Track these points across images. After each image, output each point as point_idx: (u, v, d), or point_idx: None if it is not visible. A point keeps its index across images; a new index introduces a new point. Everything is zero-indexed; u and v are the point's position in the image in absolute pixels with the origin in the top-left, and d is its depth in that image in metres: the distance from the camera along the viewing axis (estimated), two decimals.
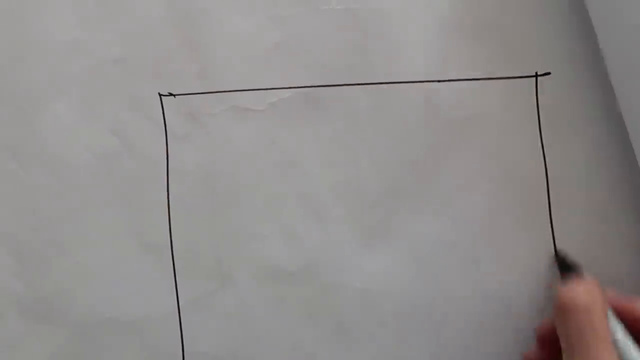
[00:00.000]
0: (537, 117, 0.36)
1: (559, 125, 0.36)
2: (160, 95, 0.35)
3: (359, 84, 0.35)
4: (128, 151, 0.35)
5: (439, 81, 0.35)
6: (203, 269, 0.35)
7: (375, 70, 0.35)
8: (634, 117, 0.34)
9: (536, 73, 0.36)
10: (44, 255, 0.35)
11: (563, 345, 0.31)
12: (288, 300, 0.35)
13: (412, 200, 0.35)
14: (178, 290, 0.35)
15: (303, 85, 0.35)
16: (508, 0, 0.36)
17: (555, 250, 0.35)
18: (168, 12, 0.35)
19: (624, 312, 0.32)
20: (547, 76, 0.36)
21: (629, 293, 0.35)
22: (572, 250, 0.36)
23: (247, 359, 0.35)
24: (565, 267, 0.34)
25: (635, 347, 0.31)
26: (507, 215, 0.35)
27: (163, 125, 0.35)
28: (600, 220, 0.36)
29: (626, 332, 0.31)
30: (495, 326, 0.35)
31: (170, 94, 0.35)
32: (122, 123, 0.35)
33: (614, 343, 0.30)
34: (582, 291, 0.31)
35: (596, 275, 0.34)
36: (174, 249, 0.35)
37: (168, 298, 0.35)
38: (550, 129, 0.36)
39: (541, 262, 0.36)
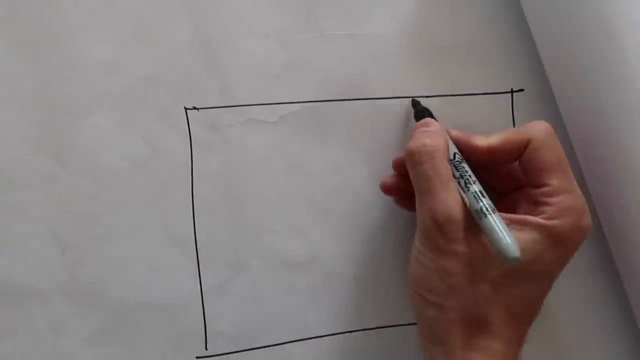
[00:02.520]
0: (512, 126, 0.39)
1: None
2: (185, 108, 0.37)
3: (358, 99, 0.38)
4: (157, 157, 0.37)
5: (427, 96, 0.38)
6: (223, 259, 0.37)
7: (372, 87, 0.38)
8: (575, 129, 0.37)
9: (511, 89, 0.39)
10: (84, 247, 0.37)
11: (414, 187, 0.32)
12: (296, 286, 0.38)
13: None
14: (201, 277, 0.37)
15: (309, 100, 0.38)
16: (487, 26, 0.39)
17: (413, 101, 0.37)
18: (193, 36, 0.37)
19: (462, 146, 0.34)
20: (521, 92, 0.39)
21: (581, 268, 0.38)
22: None
23: (260, 337, 0.37)
24: (419, 113, 0.36)
25: (472, 176, 0.32)
26: None
27: (188, 134, 0.37)
28: None
29: (464, 163, 0.33)
30: None
31: (194, 108, 0.37)
32: (153, 133, 0.37)
33: (460, 179, 0.32)
34: (427, 140, 0.32)
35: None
36: (197, 241, 0.37)
37: (192, 284, 0.37)
38: None
39: None
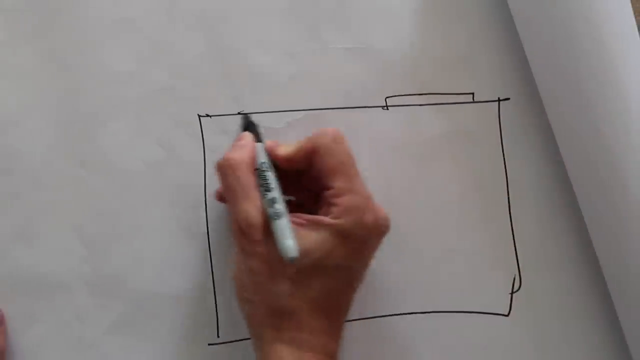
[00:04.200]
0: (499, 133, 0.40)
1: (517, 140, 0.40)
2: (199, 115, 0.39)
3: (357, 107, 0.40)
4: (173, 160, 0.39)
5: (420, 105, 0.40)
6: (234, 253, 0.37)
7: (371, 96, 0.40)
8: (563, 139, 0.39)
9: (498, 98, 0.40)
10: (106, 243, 0.38)
11: (225, 197, 0.35)
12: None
13: (400, 201, 0.40)
14: (213, 270, 0.39)
15: (313, 108, 0.40)
16: (477, 38, 0.40)
17: (243, 113, 0.38)
18: (206, 49, 0.39)
19: (273, 156, 0.35)
20: (507, 101, 0.40)
21: (563, 260, 0.39)
22: (527, 237, 0.40)
23: None
24: (243, 127, 0.37)
25: (274, 182, 0.34)
26: (474, 210, 0.40)
27: (201, 139, 0.39)
28: (552, 215, 0.40)
29: (271, 169, 0.34)
30: None
31: (207, 115, 0.39)
32: (168, 138, 0.39)
33: (262, 185, 0.34)
34: (232, 154, 0.34)
35: (541, 251, 0.39)
36: (210, 237, 0.39)
37: (205, 276, 0.39)
38: (510, 143, 0.40)
39: (503, 246, 0.40)
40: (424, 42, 0.40)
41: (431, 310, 0.40)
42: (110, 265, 0.39)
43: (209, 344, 0.39)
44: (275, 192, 0.34)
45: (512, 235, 0.41)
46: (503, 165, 0.41)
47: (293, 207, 0.35)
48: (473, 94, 0.41)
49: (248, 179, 0.34)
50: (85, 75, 0.39)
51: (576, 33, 0.36)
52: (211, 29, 0.40)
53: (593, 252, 0.40)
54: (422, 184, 0.40)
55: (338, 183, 0.34)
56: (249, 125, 0.37)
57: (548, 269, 0.40)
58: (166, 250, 0.39)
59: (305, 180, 0.37)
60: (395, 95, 0.40)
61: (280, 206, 0.33)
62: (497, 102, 0.41)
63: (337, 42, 0.40)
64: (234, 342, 0.39)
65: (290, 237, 0.32)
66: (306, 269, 0.33)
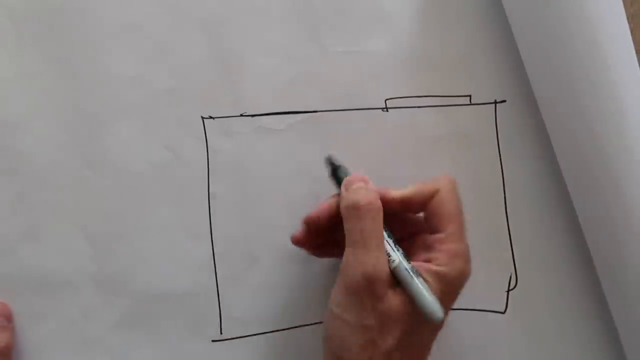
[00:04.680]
0: (496, 135, 0.41)
1: (514, 141, 0.41)
2: (202, 118, 0.39)
3: (356, 109, 0.40)
4: (177, 161, 0.39)
5: (419, 107, 0.40)
6: (236, 253, 0.39)
7: (370, 98, 0.40)
8: (559, 145, 0.39)
9: (495, 100, 0.41)
10: (111, 242, 0.38)
11: (348, 239, 0.32)
12: (303, 276, 0.39)
13: None
14: (216, 269, 0.39)
15: (314, 110, 0.40)
16: (474, 41, 0.41)
17: (329, 157, 0.36)
18: (209, 52, 0.39)
19: (382, 199, 0.34)
20: (503, 103, 0.41)
21: (558, 258, 0.39)
22: (523, 236, 0.40)
23: (270, 322, 0.39)
24: (335, 170, 0.36)
25: (391, 240, 0.33)
26: (472, 210, 0.38)
27: (204, 141, 0.39)
28: (544, 210, 0.40)
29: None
30: None
31: (210, 117, 0.39)
32: (173, 139, 0.39)
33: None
34: (370, 197, 0.33)
35: (537, 250, 0.39)
36: (213, 237, 0.39)
37: (208, 275, 0.39)
38: (507, 144, 0.41)
39: (500, 245, 0.40)
40: (422, 44, 0.41)
41: None
42: (116, 263, 0.39)
43: (212, 341, 0.39)
44: (399, 250, 0.33)
45: (508, 235, 0.41)
46: (499, 166, 0.41)
47: None
48: (470, 96, 0.41)
49: (382, 227, 0.33)
50: (90, 78, 0.39)
51: (570, 35, 0.36)
52: (214, 32, 0.40)
53: (587, 252, 0.40)
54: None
55: (450, 230, 0.33)
56: (336, 168, 0.36)
57: (543, 268, 0.41)
58: (170, 250, 0.39)
59: (401, 222, 0.36)
60: (394, 97, 0.41)
61: (409, 265, 0.32)
62: (493, 104, 0.41)
63: (336, 45, 0.40)
64: (237, 339, 0.39)
65: (434, 298, 0.31)
66: (412, 324, 0.32)
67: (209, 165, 0.40)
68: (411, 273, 0.32)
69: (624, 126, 0.36)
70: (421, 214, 0.36)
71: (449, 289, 0.33)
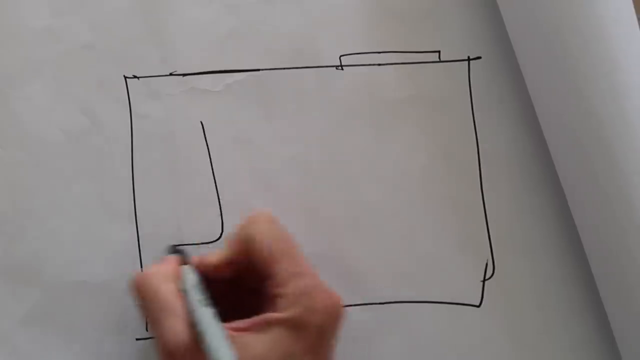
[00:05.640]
0: (469, 97, 0.39)
1: (490, 105, 0.39)
2: (125, 77, 0.37)
3: (306, 67, 0.38)
4: (96, 128, 0.37)
5: (379, 64, 0.38)
6: (164, 235, 0.37)
7: (321, 55, 0.38)
8: (540, 104, 0.37)
9: (468, 57, 0.39)
10: (20, 223, 0.37)
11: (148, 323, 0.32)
12: None
13: (355, 172, 0.38)
14: (141, 254, 0.37)
15: (256, 68, 0.38)
16: None
17: (171, 246, 0.36)
18: (133, 1, 0.37)
19: (202, 268, 0.33)
20: (478, 60, 0.39)
21: (542, 242, 0.38)
22: (501, 217, 0.39)
23: None
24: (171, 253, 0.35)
25: (199, 298, 0.31)
26: (441, 185, 0.38)
27: (128, 104, 0.37)
28: (526, 184, 0.39)
29: (195, 287, 0.32)
30: None
31: (135, 77, 0.37)
32: (91, 103, 0.37)
33: (187, 305, 0.31)
34: (147, 269, 0.32)
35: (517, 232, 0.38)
36: (137, 217, 0.37)
37: (132, 262, 0.37)
38: (482, 108, 0.39)
39: (473, 227, 0.39)
40: None
41: (391, 300, 0.38)
42: (24, 248, 0.37)
43: (136, 339, 0.37)
44: (204, 307, 0.31)
45: (484, 214, 0.39)
46: (474, 134, 0.39)
47: (236, 317, 0.32)
48: (439, 52, 0.39)
49: (170, 291, 0.31)
50: None
51: None
52: None
53: (576, 234, 0.38)
54: (382, 155, 0.38)
55: (280, 269, 0.32)
56: (174, 252, 0.35)
57: (525, 253, 0.39)
58: (88, 232, 0.37)
59: (247, 280, 0.34)
60: (350, 54, 0.39)
61: (208, 318, 0.30)
62: (466, 62, 0.39)
63: None
64: None
65: (223, 345, 0.29)
66: None
67: (132, 132, 0.38)
68: (204, 327, 0.30)
69: (618, 86, 0.34)
70: None
71: (305, 332, 0.31)
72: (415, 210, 0.38)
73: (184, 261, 0.33)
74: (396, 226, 0.38)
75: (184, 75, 0.37)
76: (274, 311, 0.31)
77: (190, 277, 0.32)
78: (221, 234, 0.37)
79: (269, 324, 0.30)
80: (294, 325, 0.30)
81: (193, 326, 0.30)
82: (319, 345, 0.31)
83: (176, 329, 0.30)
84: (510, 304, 0.39)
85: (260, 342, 0.30)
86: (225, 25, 0.38)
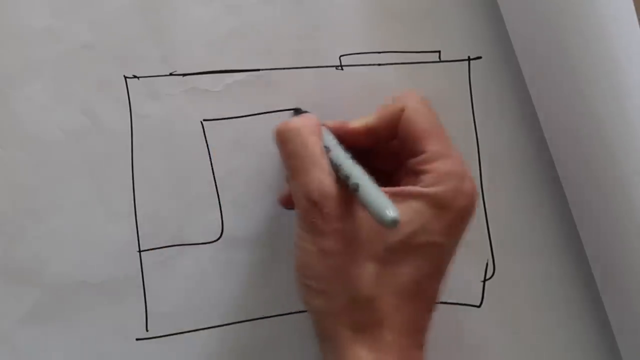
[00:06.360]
0: (469, 97, 0.39)
1: (490, 104, 0.39)
2: (125, 77, 0.37)
3: (306, 67, 0.38)
4: (96, 128, 0.37)
5: (379, 64, 0.38)
6: (164, 236, 0.37)
7: (321, 55, 0.38)
8: (541, 103, 0.38)
9: (468, 57, 0.39)
10: (20, 223, 0.36)
11: (286, 169, 0.32)
12: (240, 264, 0.37)
13: None
14: (141, 254, 0.37)
15: (256, 68, 0.38)
16: None
17: (296, 109, 0.37)
18: (133, 1, 0.37)
19: (341, 133, 0.33)
20: (478, 60, 0.39)
21: (542, 242, 0.39)
22: (501, 217, 0.39)
23: (204, 317, 0.37)
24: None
25: (346, 155, 0.32)
26: None
27: (128, 105, 0.37)
28: (526, 184, 0.39)
29: (339, 145, 0.32)
30: None
31: (135, 76, 0.37)
32: (91, 103, 0.37)
33: (330, 159, 0.31)
34: (293, 120, 0.32)
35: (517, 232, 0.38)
36: (137, 217, 0.37)
37: (132, 262, 0.37)
38: (482, 108, 0.39)
39: (474, 227, 0.37)
40: None
41: None
42: (25, 248, 0.36)
43: (136, 339, 0.37)
44: (354, 162, 0.31)
45: (484, 214, 0.39)
46: (474, 133, 0.40)
47: None
48: (439, 52, 0.39)
49: (317, 144, 0.31)
50: None
51: None
52: None
53: (576, 234, 0.39)
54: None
55: (432, 147, 0.32)
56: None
57: (525, 253, 0.40)
58: (88, 232, 0.37)
59: (373, 158, 0.35)
60: (350, 54, 0.38)
61: (363, 172, 0.30)
62: (467, 62, 0.39)
63: None
64: (165, 337, 0.37)
65: (386, 198, 0.28)
66: (395, 247, 0.30)
67: (132, 132, 0.37)
68: (357, 182, 0.30)
69: (618, 85, 0.34)
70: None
71: (446, 212, 0.31)
72: None
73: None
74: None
75: (184, 75, 0.37)
76: (412, 184, 0.31)
77: (330, 136, 0.33)
78: (221, 234, 0.37)
79: (412, 196, 0.31)
80: (436, 203, 0.30)
81: (337, 180, 0.31)
82: (455, 228, 0.32)
83: (324, 179, 0.30)
84: (510, 304, 0.39)
85: (400, 211, 0.29)
86: (226, 25, 0.38)
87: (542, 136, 0.38)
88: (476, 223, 0.38)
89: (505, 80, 0.39)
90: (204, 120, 0.37)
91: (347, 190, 0.30)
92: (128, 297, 0.37)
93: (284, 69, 0.38)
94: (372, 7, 0.38)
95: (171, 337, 0.37)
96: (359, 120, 0.34)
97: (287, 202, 0.35)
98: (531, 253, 0.39)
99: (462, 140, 0.39)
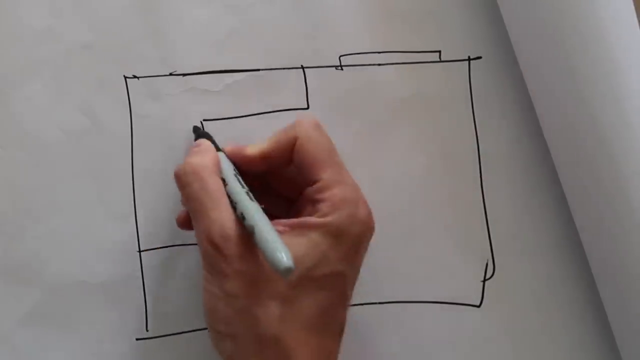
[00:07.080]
0: (469, 97, 0.39)
1: (490, 104, 0.39)
2: (125, 77, 0.37)
3: (306, 67, 0.38)
4: (96, 128, 0.37)
5: (379, 64, 0.38)
6: (164, 235, 0.37)
7: (321, 55, 0.38)
8: (540, 102, 0.37)
9: (469, 57, 0.39)
10: (20, 223, 0.36)
11: (188, 210, 0.32)
12: None
13: (355, 172, 0.36)
14: (141, 254, 0.37)
15: (256, 69, 0.38)
16: None
17: (194, 128, 0.36)
18: (133, 1, 0.37)
19: (239, 158, 0.33)
20: (478, 60, 0.39)
21: (542, 242, 0.39)
22: (501, 216, 0.39)
23: (203, 318, 0.35)
24: (197, 137, 0.35)
25: (242, 189, 0.31)
26: (441, 185, 0.38)
27: (128, 105, 0.37)
28: (526, 184, 0.39)
29: (236, 177, 0.32)
30: None
31: (135, 77, 0.37)
32: (91, 103, 0.37)
33: (231, 195, 0.31)
34: (192, 158, 0.32)
35: (517, 232, 0.38)
36: (137, 217, 0.37)
37: (132, 262, 0.37)
38: (482, 108, 0.39)
39: (474, 226, 0.39)
40: None
41: (392, 300, 0.38)
42: (24, 248, 0.37)
43: (136, 339, 0.37)
44: (250, 200, 0.31)
45: (484, 214, 0.39)
46: (474, 133, 0.39)
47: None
48: (440, 52, 0.39)
49: (216, 184, 0.31)
50: None
51: None
52: None
53: (576, 234, 0.39)
54: (381, 155, 0.38)
55: (325, 175, 0.32)
56: (202, 136, 0.35)
57: (525, 253, 0.39)
58: (88, 232, 0.37)
59: (276, 184, 0.35)
60: (350, 54, 0.38)
61: (258, 213, 0.30)
62: (467, 62, 0.39)
63: None
64: (165, 337, 0.37)
65: (281, 243, 0.28)
66: (297, 283, 0.30)
67: (132, 132, 0.37)
68: (252, 224, 0.29)
69: (618, 86, 0.34)
70: None
71: (343, 240, 0.31)
72: (415, 210, 0.38)
73: (216, 147, 0.34)
74: (396, 226, 0.38)
75: (184, 75, 0.37)
76: (310, 216, 0.31)
77: (228, 166, 0.32)
78: None
79: (308, 227, 0.30)
80: (333, 232, 0.30)
81: (237, 220, 0.30)
82: (353, 254, 0.32)
83: (225, 221, 0.30)
84: (510, 304, 0.39)
85: (297, 244, 0.30)
86: (225, 25, 0.38)
87: (541, 136, 0.38)
88: (476, 223, 0.39)
89: (505, 80, 0.39)
90: (204, 120, 0.37)
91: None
92: (128, 297, 0.37)
93: (284, 69, 0.38)
94: (372, 7, 0.38)
95: (171, 337, 0.37)
96: (256, 145, 0.34)
97: (184, 224, 0.34)
98: (531, 253, 0.39)
99: (461, 139, 0.39)
